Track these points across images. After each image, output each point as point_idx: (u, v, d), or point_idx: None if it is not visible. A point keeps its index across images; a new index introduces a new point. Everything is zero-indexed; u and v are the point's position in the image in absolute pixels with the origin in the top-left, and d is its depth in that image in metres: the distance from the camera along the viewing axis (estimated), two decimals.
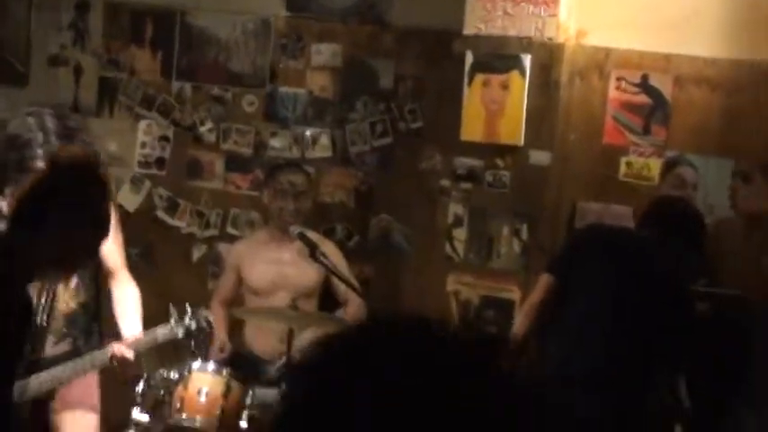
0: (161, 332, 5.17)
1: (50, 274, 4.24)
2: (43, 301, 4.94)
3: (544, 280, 5.78)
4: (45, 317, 4.95)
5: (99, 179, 3.81)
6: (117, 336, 5.11)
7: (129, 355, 4.99)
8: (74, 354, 4.98)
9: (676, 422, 5.65)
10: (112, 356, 5.00)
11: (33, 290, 4.88)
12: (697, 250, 5.79)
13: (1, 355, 3.67)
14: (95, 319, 5.14)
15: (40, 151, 4.62)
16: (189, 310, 5.30)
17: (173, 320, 5.25)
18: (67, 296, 5.02)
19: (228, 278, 6.56)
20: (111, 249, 5.07)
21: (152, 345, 5.18)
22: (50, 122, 4.70)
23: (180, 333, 5.24)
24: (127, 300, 5.17)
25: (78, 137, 4.81)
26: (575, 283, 5.64)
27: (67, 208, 3.75)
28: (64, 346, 4.99)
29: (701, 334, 5.86)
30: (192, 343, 5.45)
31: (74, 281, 5.01)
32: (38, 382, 4.83)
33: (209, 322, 5.37)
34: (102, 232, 3.64)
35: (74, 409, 5.06)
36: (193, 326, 5.28)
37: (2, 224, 4.72)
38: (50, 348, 4.96)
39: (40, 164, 4.58)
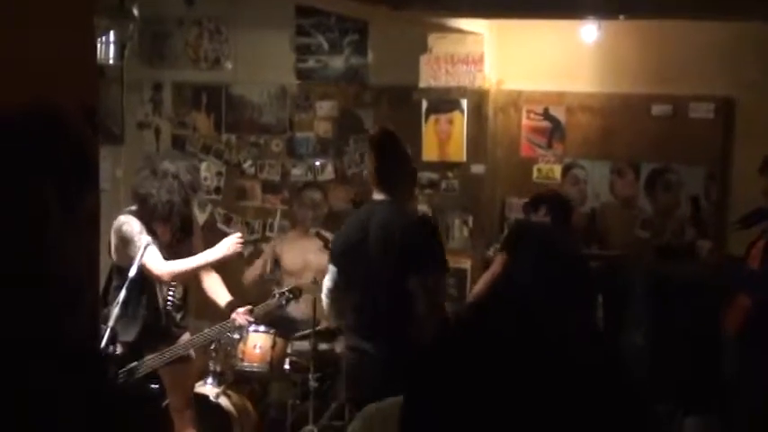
0: (271, 302, 5.19)
1: None
2: (169, 290, 5.00)
3: (500, 258, 5.71)
4: (172, 302, 4.99)
5: None
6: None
7: (252, 320, 5.03)
8: (180, 329, 5.03)
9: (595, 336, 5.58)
10: (239, 325, 5.03)
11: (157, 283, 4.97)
12: (566, 221, 5.84)
13: None
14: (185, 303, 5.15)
15: (189, 177, 4.79)
16: (285, 289, 5.33)
17: (277, 295, 5.27)
18: (180, 287, 5.04)
19: (262, 259, 6.57)
20: (203, 248, 5.06)
21: (266, 311, 5.21)
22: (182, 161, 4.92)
23: (284, 301, 5.28)
24: (217, 283, 5.07)
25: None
26: (518, 257, 5.60)
27: None
28: (180, 323, 5.03)
29: (597, 280, 5.94)
30: (286, 305, 5.44)
31: None
32: (180, 347, 4.89)
33: (300, 290, 5.40)
34: None
35: (176, 363, 4.99)
36: (290, 296, 5.32)
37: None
38: (170, 323, 4.98)
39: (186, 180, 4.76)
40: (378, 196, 4.33)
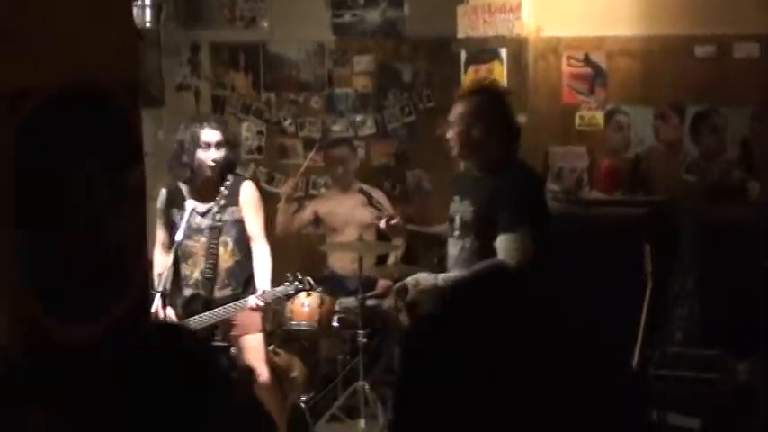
0: (281, 289, 5.18)
1: None
2: (210, 258, 5.01)
3: None
4: (211, 270, 5.05)
5: None
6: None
7: (261, 304, 5.01)
8: (232, 298, 5.00)
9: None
10: (250, 307, 5.04)
11: (201, 250, 5.01)
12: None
13: None
14: (249, 273, 5.08)
15: (199, 152, 4.80)
16: (298, 276, 5.30)
17: (287, 283, 5.27)
18: (227, 255, 5.03)
19: (307, 211, 6.58)
20: (254, 220, 5.06)
21: (275, 297, 5.14)
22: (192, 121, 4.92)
23: (292, 290, 5.26)
24: (261, 261, 5.04)
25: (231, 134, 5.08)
26: None
27: None
28: (226, 292, 5.03)
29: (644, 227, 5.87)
30: (293, 295, 5.34)
31: (230, 244, 5.03)
32: (207, 317, 4.90)
33: (310, 283, 5.36)
34: None
35: (246, 333, 5.06)
36: (300, 286, 5.25)
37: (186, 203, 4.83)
38: (217, 292, 5.01)
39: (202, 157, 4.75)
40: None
